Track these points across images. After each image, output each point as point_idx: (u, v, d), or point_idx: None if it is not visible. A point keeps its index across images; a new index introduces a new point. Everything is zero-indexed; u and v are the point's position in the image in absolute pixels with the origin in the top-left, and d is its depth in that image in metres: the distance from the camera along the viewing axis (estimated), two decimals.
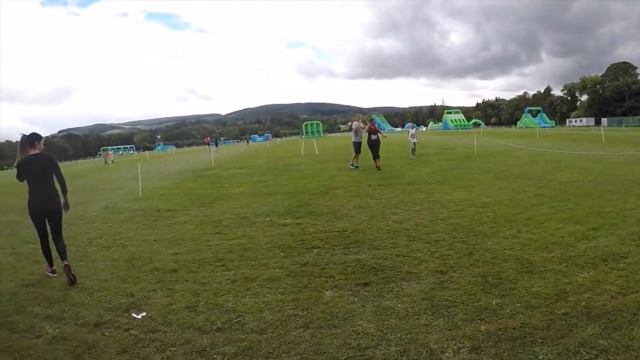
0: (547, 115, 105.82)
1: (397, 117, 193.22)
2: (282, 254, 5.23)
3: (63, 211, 5.04)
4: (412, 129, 19.58)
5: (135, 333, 3.35)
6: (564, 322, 3.13)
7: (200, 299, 3.95)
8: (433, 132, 79.94)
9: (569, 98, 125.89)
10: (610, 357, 2.64)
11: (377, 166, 14.24)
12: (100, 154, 46.05)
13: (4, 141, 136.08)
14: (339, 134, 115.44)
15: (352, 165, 15.05)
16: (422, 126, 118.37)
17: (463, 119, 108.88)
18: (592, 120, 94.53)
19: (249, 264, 4.89)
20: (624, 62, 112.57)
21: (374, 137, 14.69)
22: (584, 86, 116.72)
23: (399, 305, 3.58)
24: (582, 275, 4.05)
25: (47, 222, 4.94)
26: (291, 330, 3.27)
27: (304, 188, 10.80)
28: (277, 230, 6.46)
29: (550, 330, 3.02)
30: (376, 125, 15.61)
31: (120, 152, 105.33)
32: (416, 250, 5.10)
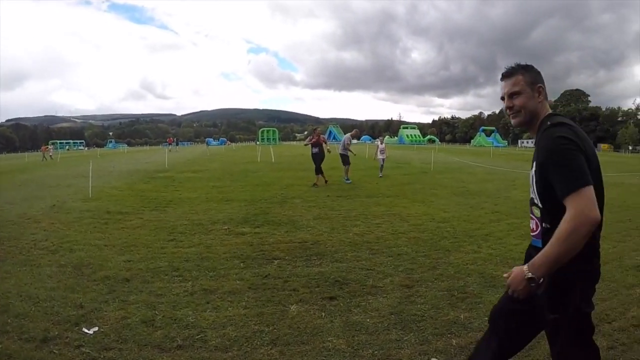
0: (501, 136, 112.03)
1: (354, 129, 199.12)
2: (241, 264, 5.11)
3: None
4: (381, 143, 17.39)
5: (88, 351, 3.10)
6: None
7: (157, 312, 3.75)
8: (389, 146, 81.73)
9: None
10: None
11: (315, 184, 13.10)
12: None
13: None
14: (294, 143, 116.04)
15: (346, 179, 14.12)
16: (377, 140, 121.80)
17: (419, 135, 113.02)
18: None
19: (207, 275, 4.74)
20: (577, 90, 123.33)
21: (314, 149, 13.78)
22: None
23: (368, 320, 3.58)
24: None
25: None
26: (258, 347, 3.17)
27: (262, 196, 10.71)
28: (235, 239, 6.33)
29: None
30: (322, 137, 14.53)
31: (67, 147, 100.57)
32: (380, 263, 5.15)
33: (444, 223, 7.56)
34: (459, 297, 4.09)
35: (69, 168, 23.74)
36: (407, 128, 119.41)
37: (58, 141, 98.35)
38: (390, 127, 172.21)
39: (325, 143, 14.45)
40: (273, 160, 25.95)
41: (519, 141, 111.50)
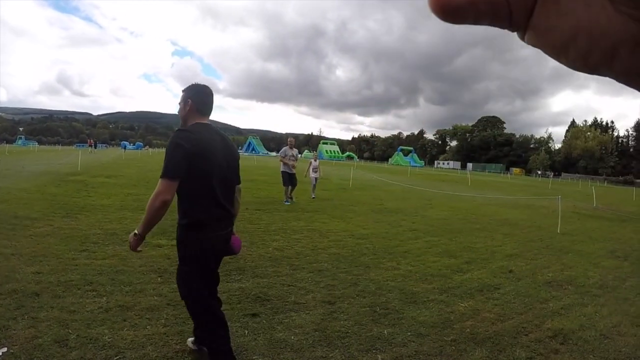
0: (418, 156, 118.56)
1: (274, 141, 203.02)
2: (159, 279, 4.89)
3: None
4: (315, 160, 15.23)
5: None
6: (454, 347, 3.50)
7: (70, 331, 3.46)
8: (307, 160, 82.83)
9: (440, 142, 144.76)
10: None
11: None
12: None
13: None
14: None
15: (286, 201, 12.79)
16: (300, 154, 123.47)
17: (338, 151, 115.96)
18: (458, 164, 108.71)
19: (123, 290, 4.47)
20: (494, 116, 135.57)
21: None
22: (455, 133, 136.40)
23: (292, 337, 3.59)
24: (462, 305, 4.56)
25: None
26: None
27: None
28: (151, 251, 6.04)
29: (443, 356, 3.35)
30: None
31: None
32: (301, 279, 5.19)
33: (363, 239, 7.80)
34: (381, 313, 4.24)
35: None
36: (326, 144, 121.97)
37: None
38: (310, 142, 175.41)
39: None
40: None
41: (435, 162, 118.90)
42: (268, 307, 4.22)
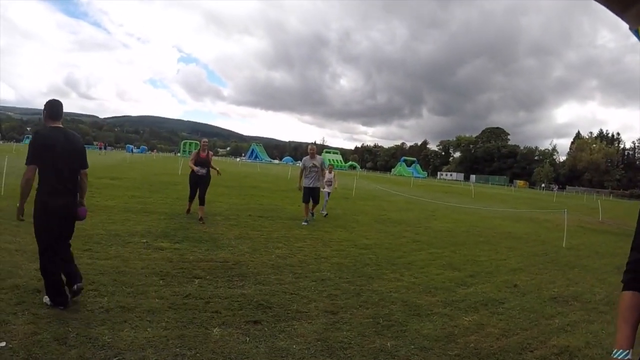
0: (421, 166, 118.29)
1: (277, 149, 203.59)
2: (161, 282, 4.88)
3: None
4: (330, 172, 13.10)
5: None
6: None
7: (70, 329, 3.47)
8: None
9: (443, 153, 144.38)
10: None
11: (200, 218, 9.39)
12: None
13: None
14: (217, 158, 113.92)
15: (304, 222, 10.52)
16: (298, 162, 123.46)
17: (341, 160, 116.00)
18: (461, 176, 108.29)
19: (124, 291, 4.47)
20: (498, 128, 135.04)
21: (202, 170, 9.88)
22: (458, 144, 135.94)
23: (294, 346, 3.57)
24: (466, 319, 4.52)
25: None
26: None
27: (182, 210, 10.34)
28: (154, 254, 6.05)
29: None
30: (211, 152, 10.56)
31: None
32: (303, 288, 5.17)
33: (366, 250, 7.77)
34: (384, 324, 4.20)
35: None
36: (329, 152, 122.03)
37: None
38: None
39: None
40: None
41: (439, 173, 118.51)
42: (270, 315, 4.20)
